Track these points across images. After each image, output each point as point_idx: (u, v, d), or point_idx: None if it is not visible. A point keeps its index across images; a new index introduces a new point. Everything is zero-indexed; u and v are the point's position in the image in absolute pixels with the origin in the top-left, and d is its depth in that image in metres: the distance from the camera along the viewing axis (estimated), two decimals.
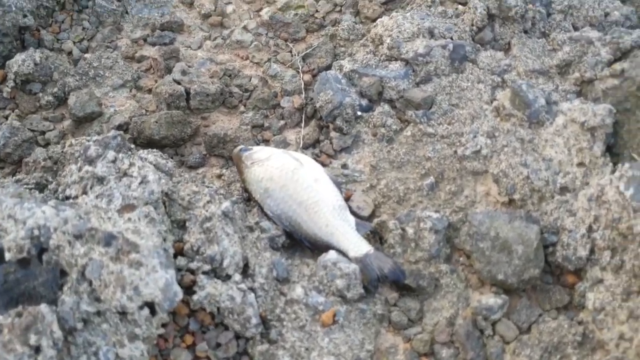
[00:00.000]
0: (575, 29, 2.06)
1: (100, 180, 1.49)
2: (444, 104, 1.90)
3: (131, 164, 1.54)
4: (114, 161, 1.54)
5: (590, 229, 1.52)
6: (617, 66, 1.76)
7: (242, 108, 2.05)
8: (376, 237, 1.69)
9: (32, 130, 1.95)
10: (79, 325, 1.26)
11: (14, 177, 1.76)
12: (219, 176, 1.89)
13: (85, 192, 1.48)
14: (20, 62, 1.99)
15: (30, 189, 1.61)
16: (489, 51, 2.01)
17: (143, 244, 1.33)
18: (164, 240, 1.43)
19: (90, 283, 1.28)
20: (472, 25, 2.03)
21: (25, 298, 1.28)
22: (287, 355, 1.42)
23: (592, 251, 1.51)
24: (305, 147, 1.93)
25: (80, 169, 1.52)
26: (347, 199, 1.78)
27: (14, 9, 2.07)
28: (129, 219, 1.40)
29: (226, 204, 1.55)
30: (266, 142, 1.97)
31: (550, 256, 1.55)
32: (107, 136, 1.73)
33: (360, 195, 1.79)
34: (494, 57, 1.98)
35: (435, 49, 1.94)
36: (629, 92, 1.70)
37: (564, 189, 1.62)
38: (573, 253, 1.51)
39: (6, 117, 2.00)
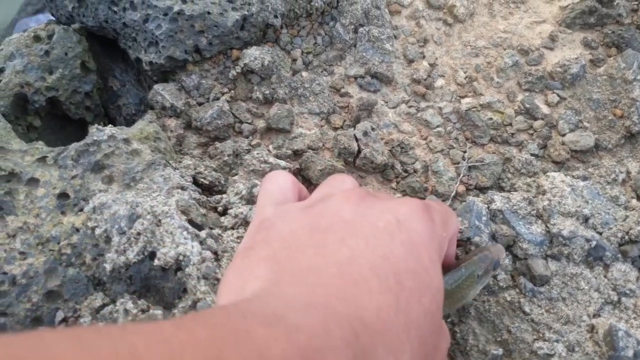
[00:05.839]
0: None
1: (247, 223, 1.88)
2: (554, 291, 2.00)
3: None
4: None
5: None
6: None
7: (393, 184, 2.27)
8: None
9: (235, 117, 2.36)
10: None
11: (201, 162, 2.20)
12: None
13: (233, 228, 1.88)
14: (253, 58, 2.35)
15: (202, 189, 2.04)
16: (625, 265, 2.02)
17: None
18: None
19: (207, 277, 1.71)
20: (627, 233, 2.05)
21: None
22: None
23: None
24: None
25: (238, 207, 1.92)
26: None
27: (270, 9, 2.40)
28: None
29: None
30: None
31: None
32: (280, 164, 2.11)
33: None
34: (626, 275, 2.00)
35: (578, 238, 2.01)
36: None
37: None
38: None
39: (222, 94, 2.41)
